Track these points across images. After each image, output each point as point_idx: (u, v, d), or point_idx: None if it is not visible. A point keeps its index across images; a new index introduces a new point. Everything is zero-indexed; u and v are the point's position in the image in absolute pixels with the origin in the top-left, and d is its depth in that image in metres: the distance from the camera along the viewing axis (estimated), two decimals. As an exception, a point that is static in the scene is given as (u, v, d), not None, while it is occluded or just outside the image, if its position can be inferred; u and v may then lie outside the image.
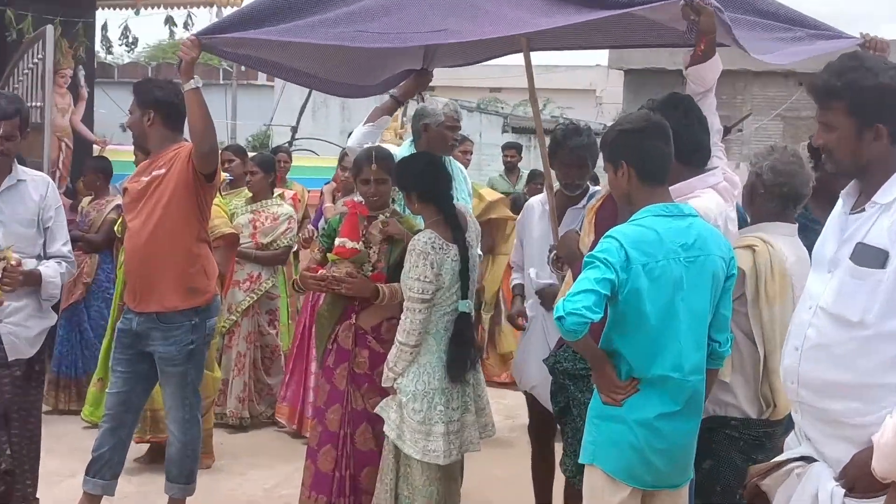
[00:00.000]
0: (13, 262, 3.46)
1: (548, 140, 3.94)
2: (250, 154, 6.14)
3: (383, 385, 3.56)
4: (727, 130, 3.64)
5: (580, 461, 2.85)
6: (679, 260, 2.74)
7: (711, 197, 2.95)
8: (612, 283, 2.64)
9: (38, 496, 3.78)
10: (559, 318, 2.59)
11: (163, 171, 3.75)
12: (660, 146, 2.77)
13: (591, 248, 2.96)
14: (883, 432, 1.97)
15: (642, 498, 2.80)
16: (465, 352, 3.54)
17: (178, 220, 3.77)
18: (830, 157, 2.38)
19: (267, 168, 5.57)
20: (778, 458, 2.50)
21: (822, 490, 2.26)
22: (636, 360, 2.76)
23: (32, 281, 3.64)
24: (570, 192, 3.88)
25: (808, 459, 2.39)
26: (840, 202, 2.41)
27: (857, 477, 2.21)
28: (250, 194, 5.58)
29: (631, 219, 2.76)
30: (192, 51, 3.49)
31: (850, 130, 2.30)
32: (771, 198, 3.07)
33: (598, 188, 3.94)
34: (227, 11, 6.92)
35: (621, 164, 2.74)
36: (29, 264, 3.57)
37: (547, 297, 3.71)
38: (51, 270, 3.66)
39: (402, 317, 3.52)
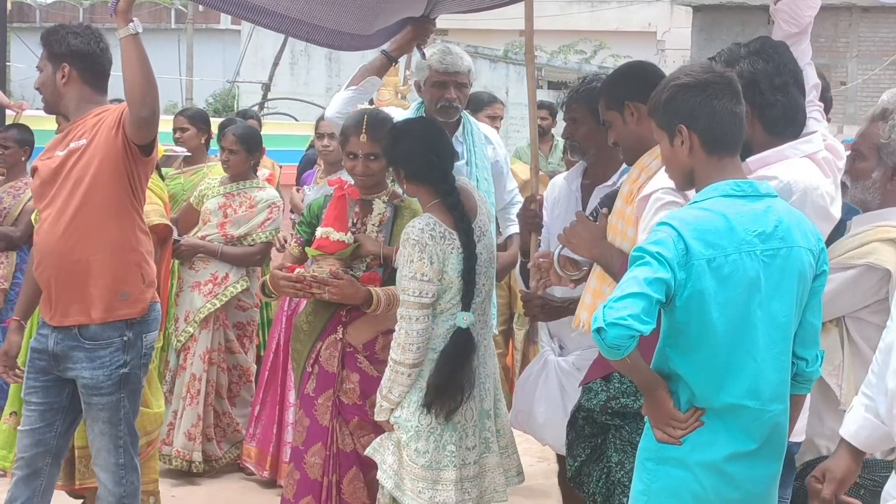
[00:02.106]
0: None
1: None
2: (216, 120, 5.48)
3: (376, 419, 3.09)
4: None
5: None
6: (755, 254, 2.36)
7: (805, 166, 2.57)
8: (668, 285, 2.28)
9: None
10: (597, 330, 2.23)
11: (83, 142, 3.24)
12: (729, 106, 2.41)
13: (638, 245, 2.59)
14: None
15: None
16: (455, 381, 3.01)
17: (104, 203, 3.25)
18: None
19: (251, 146, 4.89)
20: None
21: None
22: (700, 385, 2.41)
23: None
24: (576, 156, 3.50)
25: None
26: None
27: None
28: (226, 171, 4.94)
29: (693, 200, 2.43)
30: None
31: None
32: None
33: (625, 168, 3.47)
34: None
35: (680, 130, 2.37)
36: None
37: (529, 304, 3.27)
38: None
39: (397, 327, 3.05)
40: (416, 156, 3.08)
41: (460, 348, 3.07)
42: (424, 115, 3.64)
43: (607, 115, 2.94)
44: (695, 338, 2.34)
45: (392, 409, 3.05)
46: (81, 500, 4.16)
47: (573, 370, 3.26)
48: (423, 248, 2.96)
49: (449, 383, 3.07)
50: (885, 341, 2.22)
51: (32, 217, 4.18)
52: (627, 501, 2.75)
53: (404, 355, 2.98)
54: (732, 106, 2.40)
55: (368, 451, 3.14)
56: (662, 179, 2.60)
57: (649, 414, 2.46)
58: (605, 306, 2.26)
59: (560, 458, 3.45)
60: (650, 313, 2.21)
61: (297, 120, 8.23)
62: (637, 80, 2.85)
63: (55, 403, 3.37)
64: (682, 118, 2.40)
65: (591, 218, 2.95)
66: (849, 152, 3.03)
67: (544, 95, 8.98)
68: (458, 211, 3.03)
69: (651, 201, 2.64)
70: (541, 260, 3.13)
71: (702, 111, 2.39)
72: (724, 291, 2.32)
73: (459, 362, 3.08)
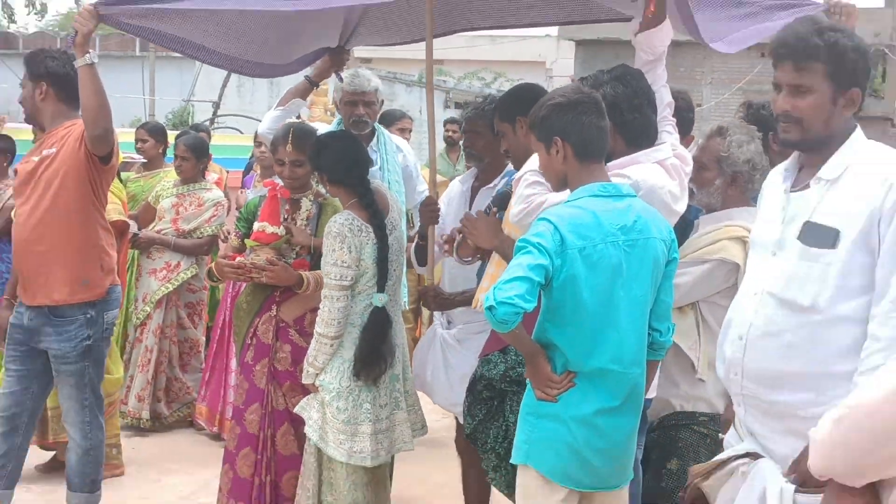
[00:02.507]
0: None
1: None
2: (173, 133, 5.97)
3: (304, 382, 3.46)
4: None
5: (513, 460, 2.83)
6: (618, 244, 2.69)
7: (653, 169, 2.91)
8: (547, 270, 2.59)
9: None
10: (489, 308, 2.52)
11: (53, 150, 3.62)
12: (596, 121, 2.72)
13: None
14: (819, 427, 1.89)
15: (579, 500, 2.78)
16: (377, 351, 3.42)
17: (69, 204, 3.64)
18: (799, 125, 2.31)
19: (199, 153, 5.43)
20: (719, 457, 2.46)
21: (770, 487, 2.22)
22: (572, 353, 2.72)
23: None
24: (472, 163, 3.83)
25: (752, 456, 2.34)
26: (778, 178, 2.38)
27: (801, 469, 2.16)
28: (177, 176, 5.45)
29: (566, 199, 2.73)
30: (88, 21, 3.43)
31: (827, 95, 2.26)
32: (745, 188, 3.11)
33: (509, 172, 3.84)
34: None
35: (555, 141, 2.67)
36: None
37: (425, 296, 3.66)
38: None
39: (321, 305, 3.41)
40: (337, 163, 3.46)
41: (378, 324, 3.46)
42: (343, 129, 3.99)
43: (501, 126, 3.27)
44: (569, 313, 2.70)
45: (317, 374, 3.42)
46: (53, 453, 4.63)
47: (455, 342, 3.69)
48: (343, 239, 3.33)
49: (372, 354, 3.45)
50: (727, 317, 2.46)
51: (12, 213, 4.62)
52: None
53: (327, 329, 3.36)
54: (598, 121, 2.72)
55: (297, 409, 3.50)
56: (532, 163, 2.95)
57: (530, 377, 2.80)
58: (494, 288, 2.57)
59: (458, 422, 3.82)
60: (532, 294, 2.54)
61: (242, 133, 8.81)
62: (526, 99, 3.10)
63: (31, 370, 3.79)
64: (557, 131, 2.70)
65: (487, 213, 3.28)
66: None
67: (452, 113, 10.08)
68: (372, 209, 3.43)
69: (522, 180, 3.01)
70: (444, 242, 3.52)
71: (573, 125, 2.70)
72: (592, 275, 2.68)
73: (379, 336, 3.46)
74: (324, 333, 3.37)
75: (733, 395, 2.48)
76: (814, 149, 2.34)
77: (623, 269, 2.69)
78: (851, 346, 2.22)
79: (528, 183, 2.98)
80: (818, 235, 2.28)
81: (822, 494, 2.11)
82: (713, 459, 2.53)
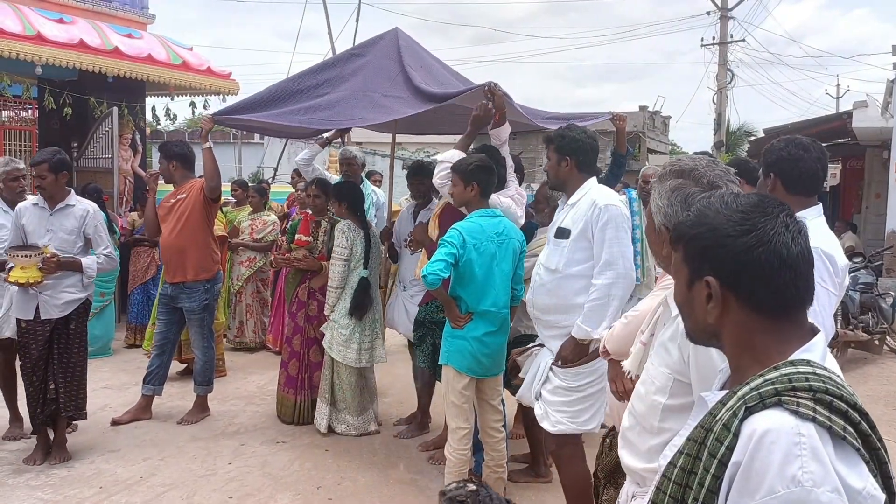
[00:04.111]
0: (48, 255, 4.55)
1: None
2: (251, 184, 8.78)
3: (324, 313, 5.27)
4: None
5: (440, 362, 3.93)
6: (494, 242, 3.75)
7: (507, 199, 4.25)
8: (456, 256, 3.64)
9: (85, 411, 4.86)
10: (424, 276, 3.53)
11: (184, 196, 5.51)
12: (491, 173, 3.90)
13: (438, 237, 4.22)
14: (614, 327, 2.47)
15: (477, 383, 3.88)
16: (363, 300, 5.20)
17: (193, 225, 5.46)
18: (548, 176, 3.62)
19: (261, 193, 8.04)
20: (528, 346, 3.70)
21: (542, 362, 3.44)
22: (471, 301, 3.77)
23: (72, 267, 4.65)
24: (418, 199, 5.45)
25: (540, 346, 3.54)
26: (561, 202, 3.54)
27: (561, 355, 3.33)
28: (251, 208, 7.86)
29: (467, 217, 3.83)
30: (208, 124, 5.34)
31: (555, 161, 3.46)
32: (553, 213, 3.80)
33: (436, 201, 5.26)
34: (231, 99, 9.84)
35: (472, 185, 3.81)
36: (87, 260, 4.72)
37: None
38: (89, 261, 4.73)
39: (332, 271, 5.13)
40: (349, 197, 5.25)
41: (362, 286, 5.18)
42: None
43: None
44: (467, 279, 3.72)
45: (331, 309, 5.13)
46: (185, 365, 6.66)
47: (408, 297, 5.32)
48: (343, 233, 5.12)
49: (359, 303, 5.14)
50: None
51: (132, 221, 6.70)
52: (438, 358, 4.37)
53: (333, 282, 5.10)
54: (491, 174, 3.89)
55: (322, 328, 5.21)
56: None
57: (448, 315, 3.84)
58: (428, 265, 3.59)
59: (409, 342, 5.46)
60: (447, 268, 3.58)
61: (289, 184, 11.38)
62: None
63: (172, 318, 5.58)
64: (474, 178, 3.76)
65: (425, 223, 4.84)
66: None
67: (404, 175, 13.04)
68: (362, 221, 5.27)
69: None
70: (405, 243, 5.17)
71: (481, 176, 3.81)
72: (479, 258, 3.71)
73: (363, 293, 5.18)
74: (332, 286, 5.14)
75: (532, 318, 3.53)
76: (557, 188, 3.61)
77: (497, 255, 3.74)
78: (580, 289, 3.29)
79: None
80: (561, 233, 3.38)
81: (566, 368, 3.19)
82: (525, 347, 3.66)
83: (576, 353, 3.33)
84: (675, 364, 1.80)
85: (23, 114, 12.76)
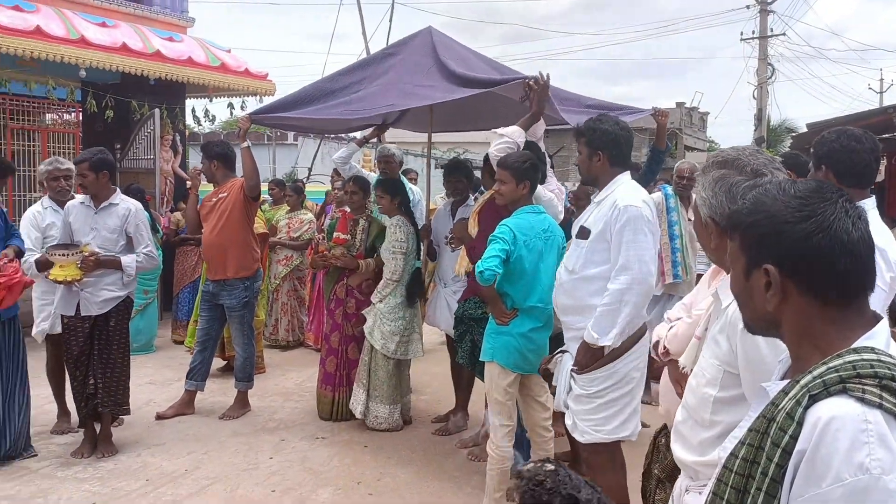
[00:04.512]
0: (87, 253, 4.63)
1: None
2: (287, 184, 8.93)
3: (371, 299, 5.31)
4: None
5: (482, 359, 3.88)
6: (541, 238, 3.74)
7: (549, 193, 4.20)
8: (508, 252, 3.62)
9: (128, 406, 4.96)
10: (480, 272, 3.49)
11: (225, 194, 5.60)
12: (539, 171, 3.95)
13: (478, 234, 4.41)
14: (677, 327, 2.36)
15: (522, 380, 3.83)
16: (417, 288, 5.34)
17: (234, 223, 5.54)
18: (579, 171, 3.42)
19: (298, 192, 8.12)
20: (555, 351, 3.57)
21: (566, 368, 3.35)
22: (518, 297, 3.73)
23: (112, 266, 4.73)
24: (455, 197, 5.54)
25: (563, 351, 3.43)
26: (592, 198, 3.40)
27: (578, 360, 3.24)
28: (288, 207, 7.96)
29: (514, 214, 3.80)
30: (245, 124, 5.41)
31: (585, 155, 3.31)
32: None
33: (472, 198, 5.47)
34: (267, 99, 9.88)
35: (524, 182, 3.78)
36: (126, 259, 4.80)
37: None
38: (129, 260, 4.80)
39: (391, 264, 5.12)
40: (402, 192, 5.36)
41: (417, 277, 5.29)
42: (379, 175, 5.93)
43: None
44: (517, 275, 3.66)
45: (380, 300, 5.16)
46: (226, 362, 6.76)
47: (450, 294, 5.35)
48: (399, 228, 5.20)
49: (414, 289, 5.26)
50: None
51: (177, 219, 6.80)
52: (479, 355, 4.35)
53: (393, 276, 5.15)
54: (538, 173, 3.80)
55: (364, 312, 5.25)
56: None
57: (492, 312, 3.78)
58: (483, 261, 3.51)
59: (448, 338, 5.55)
60: (502, 265, 3.55)
61: (323, 183, 11.83)
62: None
63: (214, 315, 5.67)
64: (526, 177, 3.71)
65: (465, 219, 4.88)
66: (571, 192, 5.29)
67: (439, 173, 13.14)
68: (410, 216, 5.37)
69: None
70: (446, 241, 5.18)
71: (532, 175, 3.78)
72: (529, 255, 3.66)
73: (419, 283, 5.32)
74: (392, 279, 5.15)
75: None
76: (589, 184, 3.55)
77: (543, 251, 3.71)
78: (595, 291, 3.15)
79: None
80: (582, 233, 3.25)
81: (582, 374, 3.08)
82: (551, 354, 3.53)
83: (588, 357, 3.21)
84: (724, 355, 1.78)
85: (66, 117, 13.06)
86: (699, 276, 5.59)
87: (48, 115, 12.67)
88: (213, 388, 6.25)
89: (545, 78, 4.11)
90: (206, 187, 5.98)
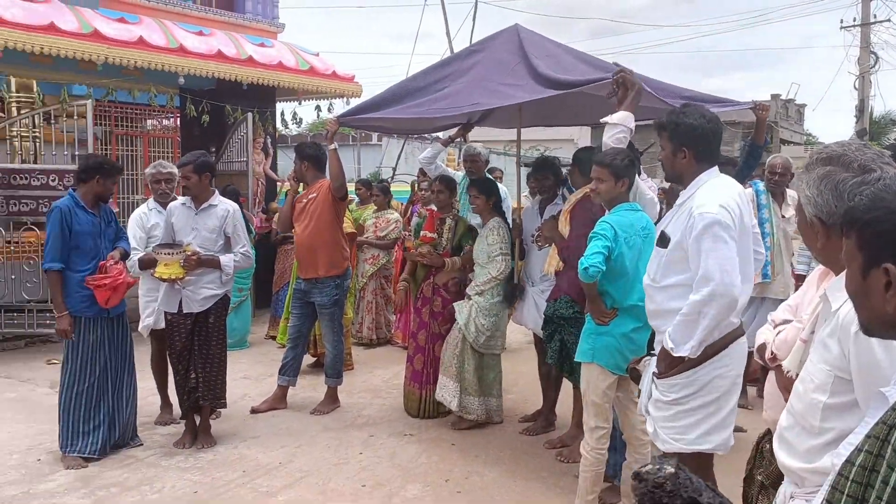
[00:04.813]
0: (189, 252, 4.84)
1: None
2: (374, 183, 9.04)
3: (468, 291, 5.35)
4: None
5: (578, 359, 3.80)
6: (640, 236, 3.68)
7: (652, 194, 4.12)
8: (610, 249, 3.59)
9: (225, 400, 5.16)
10: (585, 269, 3.48)
11: (314, 195, 5.73)
12: (636, 169, 3.78)
13: (569, 233, 4.41)
14: (789, 339, 2.27)
15: (620, 381, 3.74)
16: (513, 288, 5.36)
17: (324, 223, 5.67)
18: (663, 168, 3.18)
19: (386, 192, 8.25)
20: (644, 354, 3.42)
21: (650, 371, 3.22)
22: (618, 296, 3.66)
23: (212, 265, 4.92)
24: (542, 196, 5.48)
25: (651, 354, 3.27)
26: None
27: (658, 364, 3.13)
28: (375, 207, 8.10)
29: (612, 211, 3.76)
30: (333, 126, 5.51)
31: (669, 151, 3.10)
32: None
33: (560, 197, 5.37)
34: (354, 101, 10.17)
35: (623, 180, 3.70)
36: (224, 259, 4.99)
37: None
38: (227, 259, 4.99)
39: (499, 265, 5.17)
40: (494, 193, 5.36)
41: (512, 277, 5.28)
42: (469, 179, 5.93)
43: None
44: (617, 273, 3.59)
45: (479, 294, 5.15)
46: (316, 359, 6.95)
47: (538, 293, 5.25)
48: (499, 229, 5.23)
49: (513, 293, 5.27)
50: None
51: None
52: (574, 356, 4.09)
53: (501, 275, 5.18)
54: (636, 171, 3.74)
55: (454, 305, 5.28)
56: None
57: (592, 311, 3.67)
58: (586, 258, 3.48)
59: (535, 337, 5.51)
60: (604, 262, 3.51)
61: (407, 183, 11.75)
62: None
63: (305, 313, 5.80)
64: (627, 174, 3.65)
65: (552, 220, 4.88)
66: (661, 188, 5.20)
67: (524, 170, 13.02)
68: (503, 216, 5.38)
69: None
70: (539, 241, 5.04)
71: (630, 172, 3.66)
72: (629, 252, 3.59)
73: (516, 283, 5.29)
74: (496, 276, 5.19)
75: None
76: (674, 181, 3.21)
77: (643, 249, 3.62)
78: (675, 296, 3.01)
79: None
80: (662, 239, 3.08)
81: (663, 378, 2.94)
82: (640, 356, 3.38)
83: (667, 363, 3.06)
84: (835, 360, 1.70)
85: (166, 122, 13.70)
86: (799, 277, 5.69)
87: (149, 121, 13.33)
88: (304, 384, 6.41)
89: (624, 68, 4.01)
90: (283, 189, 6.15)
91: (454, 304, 5.35)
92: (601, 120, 3.95)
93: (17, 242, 8.30)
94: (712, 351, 2.98)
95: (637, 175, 3.89)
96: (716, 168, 3.11)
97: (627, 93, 3.92)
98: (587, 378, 3.73)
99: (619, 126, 3.84)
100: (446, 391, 5.37)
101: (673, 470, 1.15)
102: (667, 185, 4.71)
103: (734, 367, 3.04)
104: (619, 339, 3.65)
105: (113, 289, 4.68)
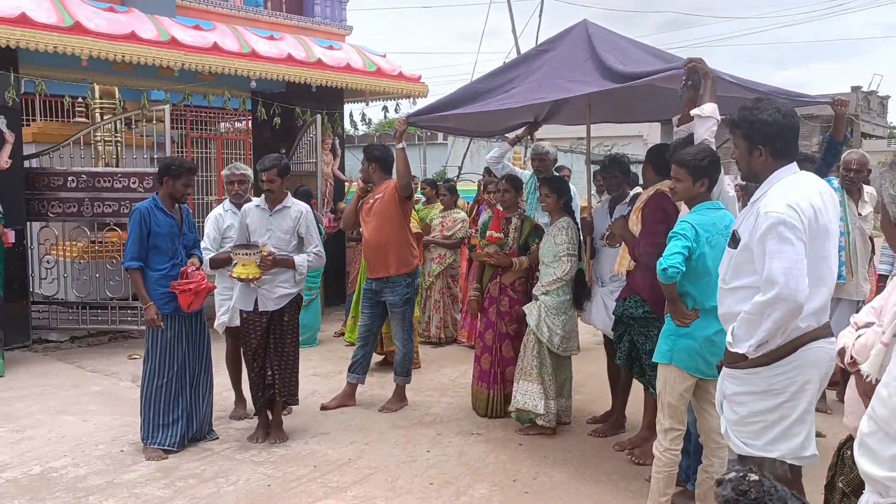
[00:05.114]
0: (265, 253, 4.95)
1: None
2: (441, 183, 9.13)
3: (534, 292, 5.31)
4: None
5: (655, 360, 3.72)
6: (723, 235, 3.49)
7: (735, 196, 4.09)
8: (690, 249, 3.51)
9: (297, 396, 5.29)
10: (664, 269, 3.41)
11: (381, 195, 5.80)
12: (719, 167, 3.62)
13: (640, 231, 4.34)
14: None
15: (699, 383, 3.68)
16: (582, 290, 5.32)
17: (392, 222, 5.73)
18: (738, 167, 3.08)
19: (452, 192, 8.28)
20: None
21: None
22: (700, 297, 3.56)
23: (286, 265, 5.03)
24: (612, 194, 5.45)
25: None
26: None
27: (725, 360, 3.05)
28: (442, 206, 8.15)
29: (694, 209, 3.67)
30: (402, 126, 5.58)
31: (744, 150, 3.00)
32: None
33: (637, 191, 5.31)
34: (420, 101, 10.38)
35: (703, 180, 3.62)
36: (298, 259, 5.10)
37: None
38: (301, 259, 5.11)
39: (564, 266, 5.13)
40: (566, 192, 5.29)
41: (580, 277, 5.24)
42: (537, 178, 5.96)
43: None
44: (699, 274, 3.49)
45: (545, 293, 5.11)
46: (383, 357, 7.03)
47: (607, 293, 5.21)
48: (568, 230, 5.17)
49: (581, 293, 5.23)
50: None
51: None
52: (644, 359, 4.38)
53: (566, 276, 5.14)
54: (717, 170, 3.58)
55: (524, 308, 5.22)
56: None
57: (672, 313, 3.57)
58: (665, 258, 3.40)
59: (605, 338, 5.45)
60: (683, 262, 3.43)
61: (473, 182, 11.87)
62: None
63: (375, 312, 5.86)
64: (706, 174, 3.54)
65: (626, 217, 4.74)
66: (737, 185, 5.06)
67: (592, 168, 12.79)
68: (573, 216, 5.33)
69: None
70: (603, 239, 5.06)
71: (710, 172, 3.55)
72: (712, 252, 3.47)
73: (582, 284, 5.26)
74: (562, 277, 5.14)
75: None
76: (751, 180, 3.09)
77: (725, 249, 3.24)
78: (744, 298, 2.92)
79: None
80: (733, 239, 3.02)
81: (730, 369, 2.89)
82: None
83: (729, 357, 2.99)
84: None
85: (238, 125, 14.10)
86: (882, 277, 5.46)
87: (222, 124, 13.73)
88: (372, 382, 6.49)
89: (699, 62, 3.93)
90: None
91: (524, 307, 5.33)
92: (691, 112, 3.86)
93: (100, 242, 8.68)
94: (777, 355, 2.88)
95: (719, 174, 3.78)
96: (794, 164, 3.00)
97: (703, 82, 3.84)
98: (664, 379, 3.68)
99: (711, 118, 3.78)
100: (530, 396, 5.29)
101: (757, 478, 1.12)
102: (742, 181, 4.62)
103: (802, 373, 2.91)
104: (700, 343, 3.57)
105: (196, 293, 4.86)
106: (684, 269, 3.42)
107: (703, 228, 3.51)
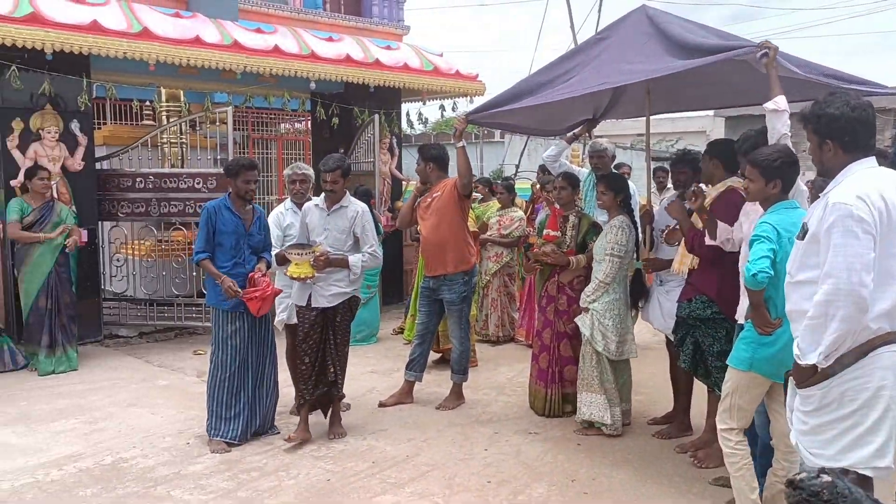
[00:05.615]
0: (318, 253, 4.99)
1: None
2: (498, 181, 9.14)
3: (581, 304, 5.27)
4: None
5: (735, 366, 3.58)
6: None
7: (806, 189, 4.06)
8: (774, 251, 3.38)
9: (344, 393, 5.34)
10: (753, 275, 3.28)
11: (439, 193, 5.81)
12: (796, 167, 3.52)
13: (708, 229, 4.20)
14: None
15: (774, 385, 3.60)
16: (639, 290, 5.27)
17: (450, 220, 5.75)
18: (813, 163, 3.05)
19: (510, 190, 8.25)
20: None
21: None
22: (782, 302, 3.28)
23: (341, 264, 5.09)
24: (679, 189, 5.21)
25: None
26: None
27: (794, 376, 2.94)
28: (499, 205, 8.15)
29: (771, 210, 3.55)
30: (462, 124, 5.60)
31: (815, 145, 2.97)
32: None
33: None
34: (477, 100, 10.28)
35: (775, 181, 3.52)
36: (352, 258, 5.14)
37: (649, 263, 5.21)
38: (355, 259, 5.14)
39: (605, 265, 5.03)
40: (626, 189, 5.23)
41: (639, 277, 5.20)
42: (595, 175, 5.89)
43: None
44: (782, 277, 3.18)
45: (591, 301, 5.05)
46: (440, 355, 7.05)
47: (664, 293, 5.13)
48: (622, 230, 5.09)
49: (639, 294, 5.21)
50: None
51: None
52: (711, 361, 4.30)
53: (606, 278, 5.05)
54: (792, 170, 3.49)
55: (576, 320, 5.20)
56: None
57: (755, 320, 3.41)
58: (750, 263, 3.28)
59: (667, 339, 5.29)
60: (771, 266, 3.28)
61: (530, 181, 11.74)
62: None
63: (433, 310, 5.89)
64: (778, 175, 3.46)
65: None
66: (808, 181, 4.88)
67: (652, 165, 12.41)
68: (630, 214, 5.25)
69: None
70: (663, 235, 5.00)
71: (783, 172, 3.45)
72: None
73: (639, 281, 5.23)
74: (603, 280, 5.06)
75: None
76: (825, 175, 3.02)
77: None
78: (810, 295, 2.84)
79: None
80: (801, 230, 2.97)
81: (801, 388, 2.79)
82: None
83: (799, 373, 2.86)
84: None
85: (297, 126, 14.34)
86: None
87: (283, 125, 13.99)
88: (429, 380, 6.51)
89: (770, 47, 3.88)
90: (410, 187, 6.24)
91: (576, 319, 5.29)
92: (763, 106, 3.78)
93: (167, 241, 8.94)
94: (846, 361, 2.77)
95: (797, 175, 3.68)
96: (871, 159, 2.90)
97: (768, 73, 3.80)
98: (737, 382, 3.59)
99: (786, 111, 3.72)
100: (595, 407, 5.24)
101: (830, 479, 1.08)
102: (811, 176, 4.48)
103: (875, 378, 2.78)
104: (782, 350, 3.44)
105: (263, 299, 4.98)
106: (773, 272, 3.30)
107: (785, 229, 3.41)
